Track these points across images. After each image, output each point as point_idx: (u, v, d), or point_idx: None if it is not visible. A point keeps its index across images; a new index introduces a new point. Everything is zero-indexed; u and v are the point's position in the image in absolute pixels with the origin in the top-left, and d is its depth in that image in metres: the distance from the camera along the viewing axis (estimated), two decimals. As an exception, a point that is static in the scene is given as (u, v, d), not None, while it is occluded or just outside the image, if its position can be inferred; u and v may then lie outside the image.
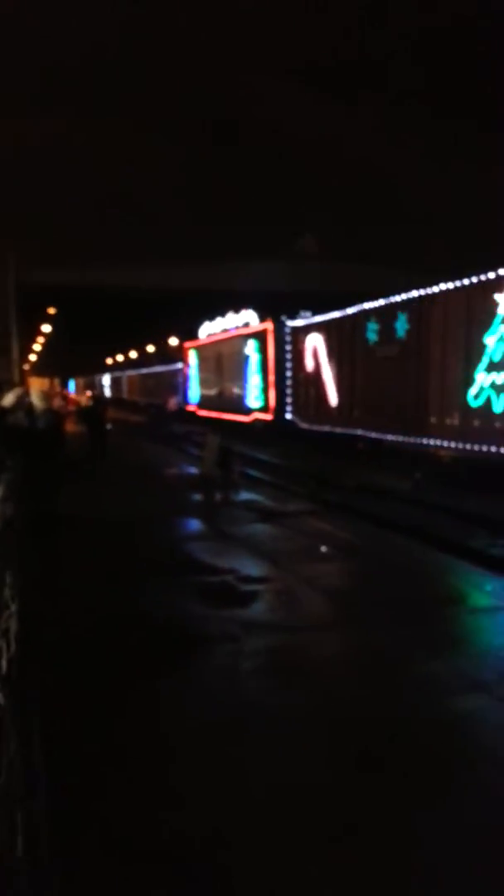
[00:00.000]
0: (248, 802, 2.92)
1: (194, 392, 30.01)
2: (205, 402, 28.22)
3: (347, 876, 2.50)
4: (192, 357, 30.12)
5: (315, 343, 17.93)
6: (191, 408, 30.31)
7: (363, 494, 11.56)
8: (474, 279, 11.44)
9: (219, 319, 25.67)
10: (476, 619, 5.46)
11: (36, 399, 10.92)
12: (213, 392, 26.88)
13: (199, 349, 29.09)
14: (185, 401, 31.14)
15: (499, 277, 10.86)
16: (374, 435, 14.83)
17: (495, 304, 10.84)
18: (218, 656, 4.48)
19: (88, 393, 44.86)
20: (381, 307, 14.62)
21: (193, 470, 13.42)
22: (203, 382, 28.67)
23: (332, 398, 17.04)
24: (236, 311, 23.73)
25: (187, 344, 31.23)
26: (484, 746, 3.41)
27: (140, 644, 4.68)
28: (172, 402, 32.48)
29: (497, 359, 10.89)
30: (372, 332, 14.93)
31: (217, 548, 7.54)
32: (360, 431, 15.52)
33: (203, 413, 27.94)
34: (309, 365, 18.26)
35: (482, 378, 11.17)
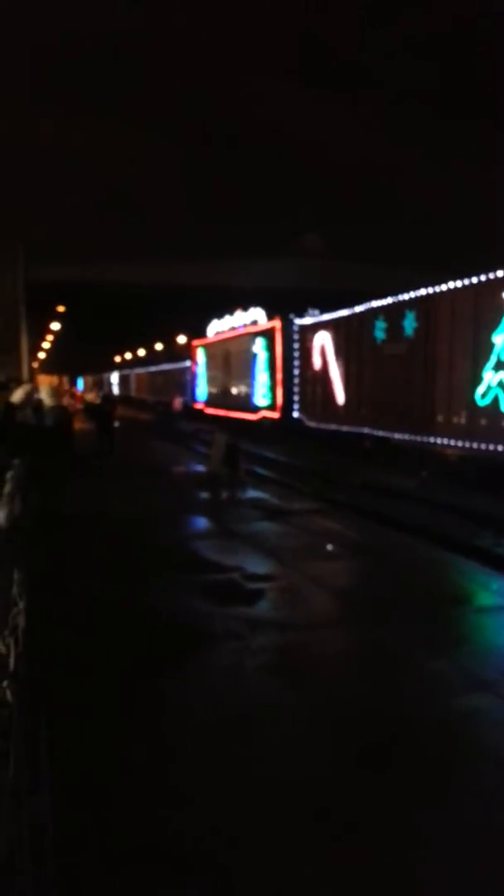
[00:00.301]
0: (250, 801, 2.94)
1: (202, 390, 30.05)
2: (212, 400, 28.26)
3: (348, 875, 2.51)
4: (200, 355, 30.15)
5: (323, 341, 17.91)
6: (198, 406, 30.36)
7: (369, 493, 11.55)
8: (482, 277, 11.40)
9: (227, 317, 25.70)
10: (481, 618, 5.45)
11: (45, 396, 11.01)
12: (220, 390, 26.91)
13: (207, 347, 29.11)
14: (193, 399, 31.19)
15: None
16: (380, 433, 14.81)
17: (503, 303, 10.80)
18: (223, 654, 4.50)
19: (97, 391, 44.99)
20: (389, 305, 14.58)
21: (200, 468, 13.46)
22: (211, 380, 28.71)
23: (340, 396, 17.03)
24: (244, 308, 23.76)
25: (195, 342, 31.28)
26: (487, 745, 3.41)
27: (145, 641, 4.71)
28: (178, 402, 32.58)
29: (499, 356, 10.85)
30: (380, 330, 14.90)
31: (223, 545, 7.56)
32: (366, 430, 15.50)
33: (211, 411, 27.99)
34: (316, 363, 18.24)
35: (490, 377, 11.14)
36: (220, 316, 26.44)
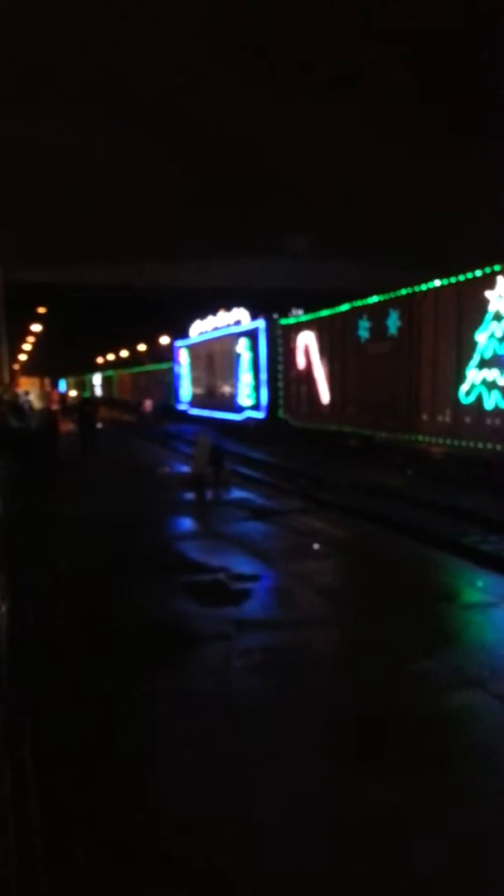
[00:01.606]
0: (241, 802, 2.89)
1: (186, 391, 29.95)
2: (197, 401, 28.18)
3: (345, 874, 2.47)
4: (184, 356, 30.06)
5: (307, 341, 17.92)
6: (181, 406, 30.26)
7: (355, 491, 11.55)
8: (465, 276, 11.46)
9: (210, 318, 25.64)
10: (468, 614, 5.45)
11: (35, 398, 10.91)
12: (204, 390, 26.84)
13: (190, 348, 29.03)
14: (177, 399, 31.07)
15: (489, 274, 10.88)
16: (366, 432, 14.84)
17: (486, 301, 10.86)
18: (210, 655, 4.45)
19: (75, 392, 44.80)
20: (372, 304, 14.62)
21: (185, 468, 13.38)
22: (195, 381, 28.63)
23: (324, 396, 17.04)
24: (227, 309, 23.71)
25: (178, 343, 31.16)
26: (479, 743, 3.40)
27: (132, 643, 4.64)
28: (147, 404, 32.36)
29: (488, 356, 10.91)
30: (364, 329, 14.94)
31: (209, 546, 7.50)
32: (352, 429, 15.53)
33: (195, 412, 27.91)
34: (301, 363, 18.24)
35: (473, 375, 11.19)
36: (203, 316, 26.38)
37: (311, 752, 3.26)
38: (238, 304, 22.92)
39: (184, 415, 29.49)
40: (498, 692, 3.85)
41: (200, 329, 26.99)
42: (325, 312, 17.04)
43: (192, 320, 27.82)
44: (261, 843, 2.62)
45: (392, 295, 13.73)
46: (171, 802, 2.90)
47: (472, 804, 2.88)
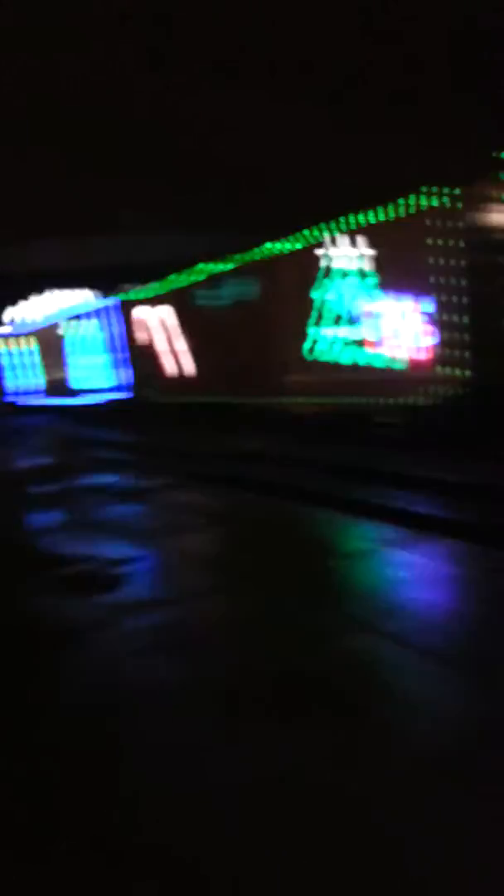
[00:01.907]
0: (155, 790, 2.64)
1: (27, 380, 28.06)
2: (46, 389, 26.66)
3: (271, 842, 2.29)
4: (21, 342, 28.11)
5: (161, 314, 17.47)
6: (17, 399, 28.24)
7: (224, 461, 11.43)
8: (310, 236, 11.62)
9: (49, 300, 24.23)
10: (350, 563, 5.51)
11: None
12: (55, 377, 25.46)
13: (31, 333, 27.28)
14: (7, 392, 28.76)
15: (331, 232, 11.11)
16: (231, 401, 14.78)
17: (327, 260, 11.10)
18: (95, 646, 4.12)
19: None
20: (225, 271, 14.50)
21: (40, 461, 12.56)
22: (39, 368, 27.01)
23: (183, 368, 16.77)
24: (72, 288, 22.53)
25: (7, 328, 28.98)
26: (386, 683, 3.39)
27: (9, 644, 4.17)
28: None
29: (334, 313, 11.21)
30: (214, 298, 14.78)
31: (78, 536, 7.01)
32: (218, 398, 15.39)
33: (46, 402, 26.39)
34: (157, 337, 17.79)
35: (327, 333, 11.45)
36: (28, 299, 24.80)
37: (222, 719, 3.05)
38: (82, 284, 21.82)
39: (26, 407, 27.62)
40: (391, 632, 3.87)
41: (44, 312, 25.47)
42: (177, 284, 16.66)
43: (26, 302, 26.12)
44: (178, 829, 2.39)
45: (244, 260, 13.68)
46: (73, 803, 2.57)
47: (398, 746, 2.82)
